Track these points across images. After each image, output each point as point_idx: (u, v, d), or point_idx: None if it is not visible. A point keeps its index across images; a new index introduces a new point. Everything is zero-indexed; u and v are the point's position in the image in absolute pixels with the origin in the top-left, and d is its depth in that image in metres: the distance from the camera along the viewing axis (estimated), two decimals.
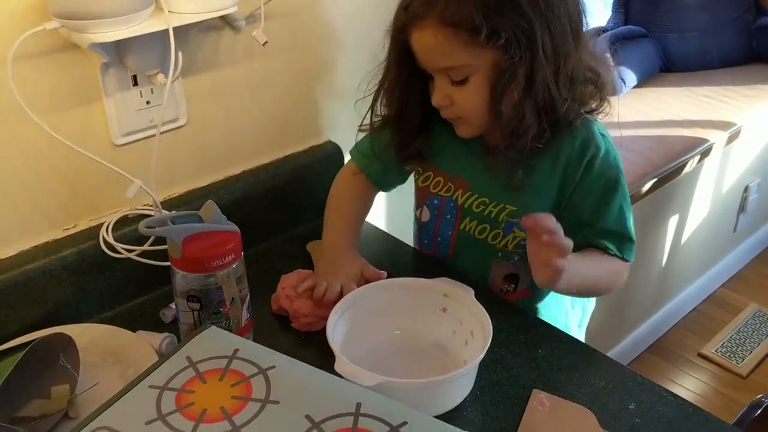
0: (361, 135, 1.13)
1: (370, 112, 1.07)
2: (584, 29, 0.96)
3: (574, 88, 0.95)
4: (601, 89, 0.99)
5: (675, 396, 0.88)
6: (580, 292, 1.08)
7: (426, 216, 1.13)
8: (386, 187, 1.21)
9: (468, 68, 0.93)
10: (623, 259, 1.03)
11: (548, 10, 0.90)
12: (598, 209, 1.01)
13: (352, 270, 1.03)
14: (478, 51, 0.91)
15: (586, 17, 0.97)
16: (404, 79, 1.00)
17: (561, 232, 0.87)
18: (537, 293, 1.11)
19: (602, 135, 1.02)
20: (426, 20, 0.91)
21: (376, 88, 1.04)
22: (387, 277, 0.97)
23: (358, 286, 0.97)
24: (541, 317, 1.10)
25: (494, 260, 1.08)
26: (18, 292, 0.95)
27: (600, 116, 1.02)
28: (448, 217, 1.10)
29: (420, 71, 0.98)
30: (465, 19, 0.88)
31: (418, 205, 1.15)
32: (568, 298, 1.17)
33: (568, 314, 1.18)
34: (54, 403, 0.83)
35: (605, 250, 1.02)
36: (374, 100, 1.05)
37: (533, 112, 0.93)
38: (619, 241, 1.02)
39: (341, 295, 0.96)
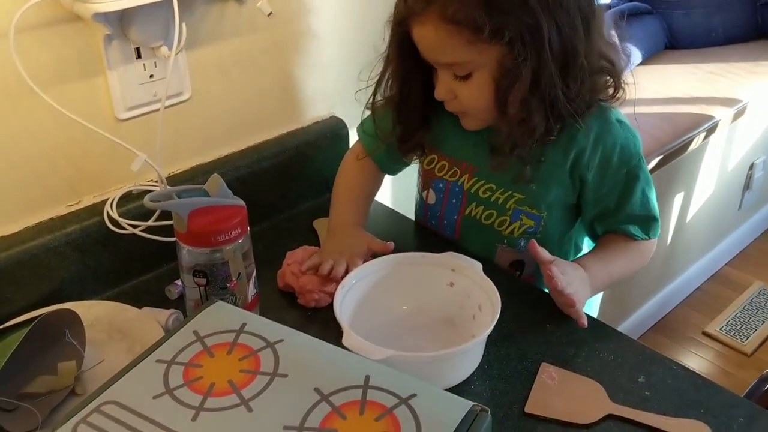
0: (368, 113, 1.11)
1: (372, 97, 1.05)
2: (597, 13, 0.92)
3: (586, 80, 0.92)
4: (616, 77, 0.96)
5: (685, 369, 0.87)
6: (609, 287, 1.09)
7: (432, 198, 1.11)
8: (392, 171, 1.20)
9: (471, 64, 0.91)
10: (649, 238, 1.04)
11: (556, 4, 0.87)
12: (622, 199, 1.00)
13: (359, 247, 1.03)
14: (482, 48, 0.88)
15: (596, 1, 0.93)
16: (405, 71, 0.98)
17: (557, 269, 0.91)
18: (542, 279, 1.10)
19: (619, 122, 0.99)
20: (426, 15, 0.88)
21: (377, 79, 1.02)
22: (394, 252, 0.96)
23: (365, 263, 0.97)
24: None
25: (500, 246, 1.07)
26: (22, 269, 0.94)
27: (616, 103, 0.99)
28: (454, 201, 1.09)
29: (422, 62, 0.95)
30: (467, 16, 0.85)
31: (424, 186, 1.13)
32: None
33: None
34: (61, 379, 0.83)
35: (631, 237, 1.02)
36: (374, 93, 1.03)
37: (540, 110, 0.91)
38: (644, 224, 1.02)
39: (347, 272, 0.95)
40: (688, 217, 2.20)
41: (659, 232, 1.05)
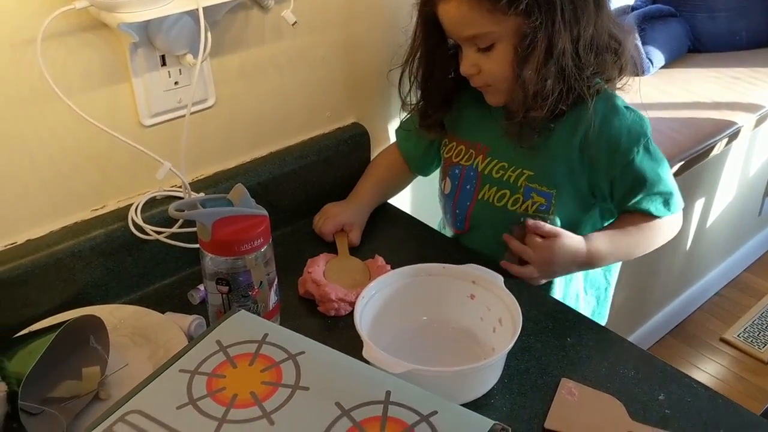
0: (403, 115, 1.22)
1: (409, 89, 1.13)
2: None
3: (594, 55, 0.97)
4: (621, 56, 1.01)
5: (706, 387, 0.87)
6: (614, 261, 1.14)
7: (448, 188, 1.15)
8: (422, 169, 1.26)
9: (492, 35, 0.97)
10: (670, 213, 1.07)
11: None
12: (636, 180, 1.03)
13: (338, 218, 1.15)
14: (501, 18, 0.94)
15: None
16: (430, 50, 1.06)
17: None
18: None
19: (626, 107, 1.04)
20: None
21: (404, 58, 1.09)
22: (414, 263, 0.96)
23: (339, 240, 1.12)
24: (553, 295, 1.12)
25: (514, 227, 1.08)
26: (47, 273, 0.95)
27: (622, 94, 1.04)
28: (468, 187, 1.12)
29: (446, 43, 1.04)
30: None
31: (442, 177, 1.18)
32: (579, 282, 1.18)
33: (578, 297, 1.19)
34: (85, 384, 0.83)
35: (651, 215, 1.06)
36: (402, 72, 1.11)
37: (555, 76, 0.96)
38: (663, 201, 1.06)
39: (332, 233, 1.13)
40: (708, 223, 2.18)
41: (682, 204, 1.08)
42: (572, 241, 1.04)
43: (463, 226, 1.14)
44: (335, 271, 1.05)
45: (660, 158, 1.05)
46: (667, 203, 1.06)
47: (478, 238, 1.13)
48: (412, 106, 1.16)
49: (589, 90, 0.99)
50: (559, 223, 1.07)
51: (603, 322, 1.24)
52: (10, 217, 0.95)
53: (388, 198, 1.27)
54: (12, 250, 0.94)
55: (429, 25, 1.02)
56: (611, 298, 1.26)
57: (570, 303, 1.14)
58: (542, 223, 1.04)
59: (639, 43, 2.09)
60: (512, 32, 0.95)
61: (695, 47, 2.30)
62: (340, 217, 1.15)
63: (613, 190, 1.05)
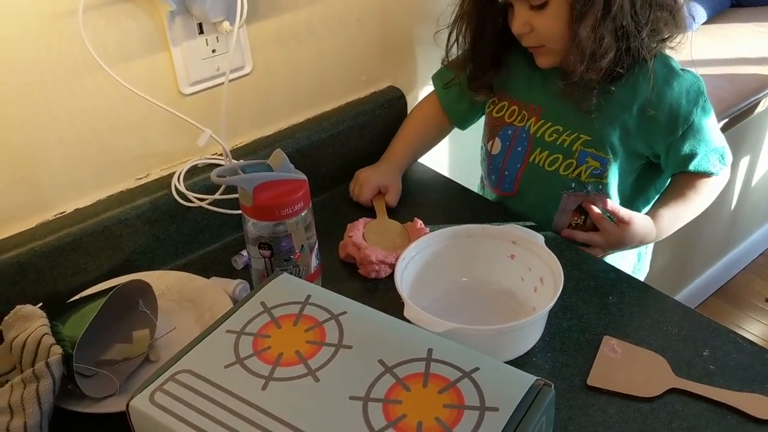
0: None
1: (454, 44, 1.10)
2: None
3: (650, 12, 0.95)
4: (676, 15, 0.98)
5: (751, 343, 0.86)
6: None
7: (497, 148, 1.13)
8: (464, 123, 1.24)
9: None
10: (725, 167, 1.08)
11: None
12: (698, 139, 1.03)
13: (375, 182, 1.14)
14: None
15: None
16: (480, 8, 1.03)
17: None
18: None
19: (683, 70, 1.02)
20: None
21: (452, 18, 1.07)
22: (454, 225, 0.96)
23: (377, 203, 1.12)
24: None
25: (566, 193, 1.08)
26: (96, 241, 0.98)
27: (672, 52, 1.02)
28: (519, 149, 1.10)
29: (495, 1, 1.01)
30: None
31: (490, 137, 1.15)
32: None
33: (623, 256, 1.18)
34: (136, 346, 0.86)
35: (707, 174, 1.06)
36: (450, 32, 1.08)
37: (612, 34, 0.93)
38: (719, 157, 1.06)
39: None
40: (753, 182, 2.14)
41: (731, 157, 1.08)
42: (643, 226, 1.05)
43: (512, 188, 1.13)
44: (375, 234, 1.06)
45: (712, 112, 1.04)
46: (722, 158, 1.06)
47: (526, 201, 1.12)
48: (456, 61, 1.13)
49: (648, 51, 0.96)
50: (611, 188, 1.06)
51: (643, 277, 1.24)
52: (58, 187, 0.97)
53: (424, 152, 1.25)
54: (61, 219, 0.97)
55: None
56: (651, 252, 1.25)
57: (609, 259, 1.13)
58: (618, 207, 1.04)
59: None
60: None
61: (738, 1, 2.23)
62: (373, 181, 1.15)
63: (670, 151, 1.04)
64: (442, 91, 1.21)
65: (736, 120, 1.82)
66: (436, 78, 1.22)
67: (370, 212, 1.13)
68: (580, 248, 1.05)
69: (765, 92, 1.85)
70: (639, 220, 1.05)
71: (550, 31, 0.97)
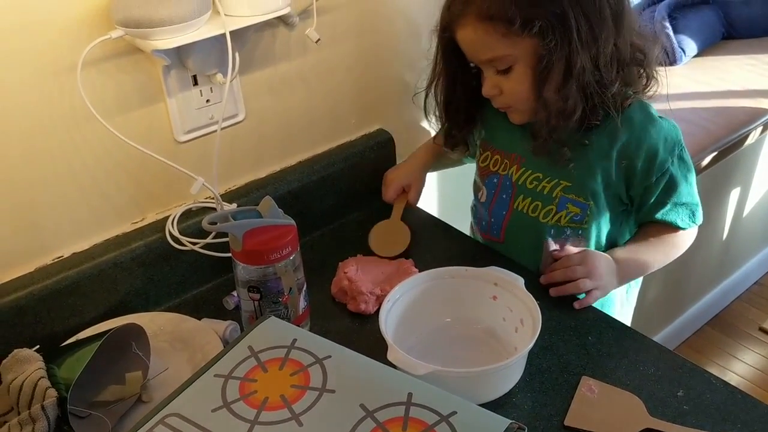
0: None
1: (434, 110, 1.15)
2: (627, 9, 0.98)
3: (618, 69, 0.98)
4: (647, 67, 1.02)
5: (724, 383, 0.88)
6: (638, 273, 1.14)
7: (484, 196, 1.17)
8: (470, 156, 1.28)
9: (509, 58, 0.97)
10: (694, 224, 1.09)
11: None
12: (670, 188, 1.05)
13: (402, 180, 1.24)
14: (516, 40, 0.95)
15: None
16: (451, 74, 1.07)
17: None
18: None
19: (660, 117, 1.04)
20: (466, 17, 0.97)
21: (427, 83, 1.12)
22: (439, 267, 0.99)
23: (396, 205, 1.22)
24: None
25: (545, 240, 1.10)
26: (92, 283, 1.01)
27: (650, 92, 1.04)
28: (504, 196, 1.13)
29: (467, 66, 1.05)
30: (500, 11, 0.93)
31: (478, 185, 1.19)
32: None
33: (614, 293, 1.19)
34: (128, 388, 0.89)
35: (676, 227, 1.08)
36: (426, 95, 1.13)
37: (578, 93, 0.97)
38: (690, 213, 1.08)
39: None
40: (745, 213, 2.16)
41: (702, 218, 1.10)
42: (598, 252, 1.07)
43: (499, 235, 1.15)
44: (380, 233, 1.18)
45: (691, 167, 1.06)
46: (693, 215, 1.08)
47: (513, 247, 1.14)
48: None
49: (620, 102, 0.99)
50: (591, 234, 1.08)
51: (631, 309, 1.26)
52: (57, 232, 1.01)
53: (445, 163, 1.31)
54: (59, 264, 1.00)
55: (449, 50, 1.04)
56: (640, 285, 1.27)
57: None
58: (566, 245, 1.08)
59: (671, 33, 2.07)
60: (529, 54, 0.96)
61: (729, 34, 2.26)
62: (397, 181, 1.24)
63: (644, 198, 1.06)
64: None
65: (726, 152, 1.85)
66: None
67: (358, 249, 1.16)
68: (569, 291, 1.05)
69: (755, 124, 1.88)
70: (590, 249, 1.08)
71: (516, 94, 1.01)
